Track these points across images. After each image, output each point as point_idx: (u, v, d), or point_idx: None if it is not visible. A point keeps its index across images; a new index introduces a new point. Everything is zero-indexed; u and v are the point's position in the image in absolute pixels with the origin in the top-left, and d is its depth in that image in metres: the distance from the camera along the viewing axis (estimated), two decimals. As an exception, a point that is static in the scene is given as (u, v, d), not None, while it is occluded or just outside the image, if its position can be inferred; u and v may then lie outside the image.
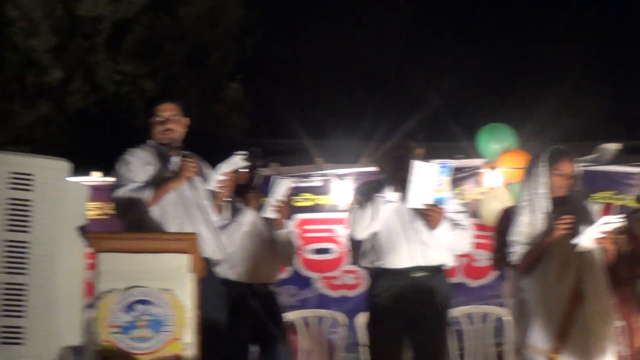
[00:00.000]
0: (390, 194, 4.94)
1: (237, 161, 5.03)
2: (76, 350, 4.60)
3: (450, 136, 8.56)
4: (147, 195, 4.76)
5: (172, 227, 4.79)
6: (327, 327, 6.56)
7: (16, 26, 12.25)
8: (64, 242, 4.23)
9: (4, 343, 3.97)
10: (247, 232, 5.48)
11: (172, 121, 5.02)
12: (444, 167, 4.76)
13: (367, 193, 5.08)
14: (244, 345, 5.38)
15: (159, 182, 4.83)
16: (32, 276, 4.08)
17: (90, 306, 4.37)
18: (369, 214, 4.95)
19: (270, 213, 5.42)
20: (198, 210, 4.83)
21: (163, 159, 4.96)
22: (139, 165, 4.92)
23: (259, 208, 5.49)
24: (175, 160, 4.83)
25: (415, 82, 13.54)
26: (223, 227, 5.27)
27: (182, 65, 13.42)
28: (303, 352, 6.09)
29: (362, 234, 5.04)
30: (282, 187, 5.41)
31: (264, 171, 6.30)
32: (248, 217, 5.46)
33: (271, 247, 5.54)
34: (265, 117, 13.88)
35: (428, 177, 4.75)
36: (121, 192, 4.83)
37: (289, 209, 5.56)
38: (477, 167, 7.49)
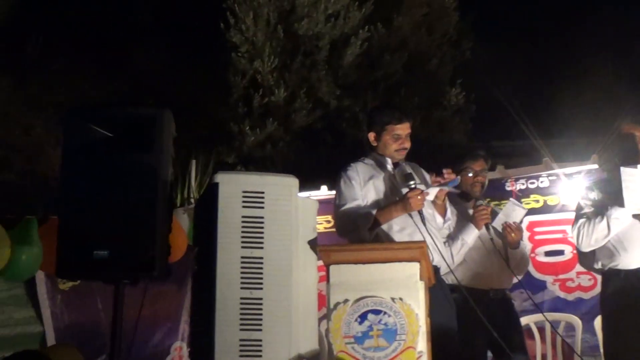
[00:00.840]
0: (617, 211, 4.76)
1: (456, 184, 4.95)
2: (313, 361, 4.69)
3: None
4: (369, 220, 4.76)
5: (401, 237, 4.78)
6: (563, 331, 6.34)
7: (241, 51, 12.78)
8: (296, 256, 4.32)
9: (243, 356, 4.10)
10: (475, 246, 5.38)
11: (408, 140, 5.01)
12: None
13: (596, 196, 4.91)
14: (482, 352, 5.29)
15: (383, 207, 4.82)
16: (267, 290, 4.20)
17: (324, 318, 4.45)
18: (599, 228, 4.79)
19: (501, 231, 5.33)
20: (424, 218, 4.79)
21: (385, 171, 4.96)
22: (361, 182, 4.92)
23: (489, 218, 5.36)
24: (408, 185, 4.77)
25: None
26: (450, 238, 5.22)
27: (401, 74, 13.48)
28: (539, 357, 5.92)
29: (589, 248, 4.90)
30: (516, 214, 5.28)
31: (491, 174, 6.19)
32: (473, 235, 5.36)
33: (502, 256, 5.41)
34: (489, 119, 13.68)
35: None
36: (342, 212, 4.86)
37: (521, 234, 5.41)
38: None
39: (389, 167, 4.98)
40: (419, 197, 4.69)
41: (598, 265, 4.96)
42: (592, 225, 4.85)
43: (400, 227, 4.80)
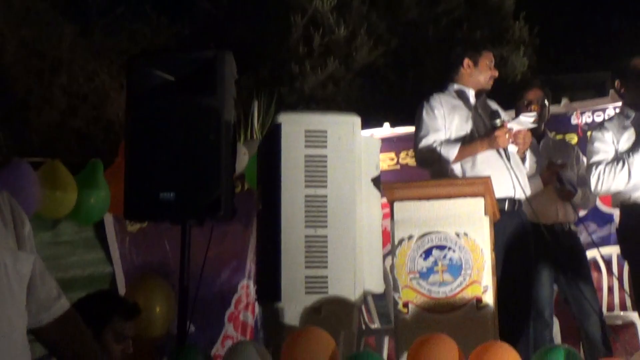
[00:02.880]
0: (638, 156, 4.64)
1: (524, 121, 4.85)
2: (377, 297, 4.74)
3: None
4: (452, 153, 4.73)
5: (482, 170, 4.71)
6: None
7: (301, -11, 12.68)
8: (360, 194, 4.34)
9: (309, 293, 4.16)
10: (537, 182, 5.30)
11: (494, 69, 4.96)
12: None
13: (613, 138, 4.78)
14: (548, 286, 5.27)
15: (467, 140, 4.77)
16: (332, 228, 4.23)
17: (389, 254, 4.48)
18: (620, 176, 4.68)
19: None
20: (508, 154, 4.73)
21: (468, 103, 4.91)
22: (445, 113, 4.85)
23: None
24: (494, 123, 4.70)
25: None
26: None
27: (463, 9, 13.27)
28: (605, 290, 5.88)
29: (605, 194, 4.83)
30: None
31: (555, 108, 6.10)
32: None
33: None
34: (553, 53, 13.43)
35: None
36: (425, 142, 4.83)
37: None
38: None
39: (472, 98, 4.93)
40: (506, 136, 4.65)
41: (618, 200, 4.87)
42: (613, 172, 4.71)
43: (482, 161, 4.75)
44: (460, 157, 4.73)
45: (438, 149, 4.75)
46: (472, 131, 4.83)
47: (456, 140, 4.78)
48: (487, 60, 4.95)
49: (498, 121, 4.68)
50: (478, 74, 4.94)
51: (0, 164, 5.03)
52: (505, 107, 5.15)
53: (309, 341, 3.73)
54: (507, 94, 5.65)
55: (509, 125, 4.76)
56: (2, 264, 2.13)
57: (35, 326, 2.31)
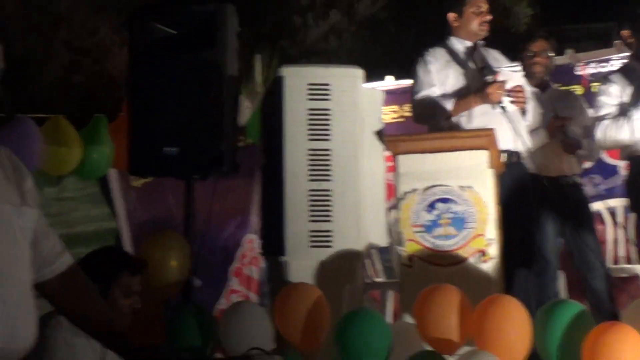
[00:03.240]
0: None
1: (509, 74, 4.79)
2: (382, 250, 4.75)
3: None
4: (447, 106, 4.69)
5: (481, 122, 4.67)
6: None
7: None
8: (363, 147, 4.33)
9: (313, 246, 4.17)
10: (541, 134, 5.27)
11: (489, 13, 4.89)
12: None
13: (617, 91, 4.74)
14: (552, 238, 5.27)
15: (461, 95, 4.73)
16: (335, 182, 4.23)
17: (393, 207, 4.48)
18: (623, 132, 4.66)
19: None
20: (504, 106, 4.70)
21: (463, 56, 4.87)
22: (439, 67, 4.81)
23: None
24: (485, 80, 4.66)
25: None
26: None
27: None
28: (610, 242, 5.88)
29: (609, 149, 4.80)
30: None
31: (560, 59, 6.05)
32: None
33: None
34: (556, 2, 13.29)
35: None
36: (420, 98, 4.79)
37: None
38: None
39: (466, 50, 4.89)
40: (498, 91, 4.62)
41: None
42: (616, 127, 4.70)
43: (480, 112, 4.71)
44: (455, 112, 4.70)
45: (432, 104, 4.72)
46: (467, 85, 4.80)
47: (451, 95, 4.75)
48: (472, 7, 4.88)
49: (489, 77, 4.65)
50: (467, 24, 4.88)
51: (3, 121, 5.03)
52: (510, 59, 5.11)
53: (299, 297, 3.75)
54: (511, 44, 5.60)
55: (499, 79, 4.71)
56: (7, 220, 2.13)
57: (40, 280, 2.31)
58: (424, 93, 4.78)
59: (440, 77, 4.80)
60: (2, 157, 2.24)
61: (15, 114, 5.48)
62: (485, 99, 4.63)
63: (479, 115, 4.70)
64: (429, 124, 4.82)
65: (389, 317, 5.18)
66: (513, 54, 5.32)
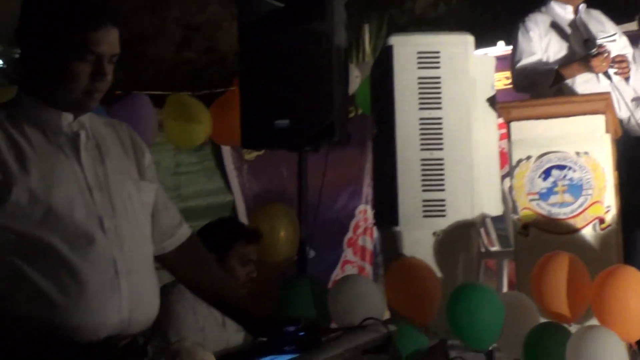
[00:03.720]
0: None
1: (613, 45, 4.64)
2: (496, 219, 4.69)
3: None
4: (549, 77, 4.60)
5: (584, 89, 4.60)
6: None
7: None
8: (475, 115, 4.28)
9: (427, 216, 4.16)
10: None
11: None
12: None
13: None
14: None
15: (564, 63, 4.64)
16: (448, 151, 4.20)
17: (507, 175, 4.41)
18: None
19: None
20: (609, 74, 4.57)
21: (565, 21, 4.75)
22: (540, 34, 4.72)
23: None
24: (589, 52, 4.52)
25: None
26: None
27: None
28: None
29: None
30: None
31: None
32: None
33: None
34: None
35: None
36: (521, 66, 4.71)
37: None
38: None
39: (569, 15, 4.77)
40: (603, 64, 4.49)
41: None
42: None
43: (584, 79, 4.62)
44: (557, 81, 4.60)
45: (534, 72, 4.62)
46: (570, 53, 4.68)
47: (553, 63, 4.63)
48: None
49: (594, 50, 4.51)
50: None
51: (120, 97, 5.16)
52: (615, 20, 4.94)
53: (410, 270, 3.75)
54: (623, 6, 5.43)
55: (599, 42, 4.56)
56: (128, 195, 2.19)
57: (160, 253, 2.37)
58: (525, 61, 4.70)
59: (542, 44, 4.71)
60: (122, 133, 2.30)
61: (130, 91, 5.62)
62: (590, 69, 4.52)
63: (582, 83, 4.61)
64: (530, 92, 4.73)
65: (504, 287, 5.12)
66: (620, 15, 5.15)
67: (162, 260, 2.41)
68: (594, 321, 3.59)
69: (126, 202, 2.17)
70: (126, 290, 2.08)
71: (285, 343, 2.22)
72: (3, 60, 7.50)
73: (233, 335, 3.53)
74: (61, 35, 2.06)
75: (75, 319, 2.01)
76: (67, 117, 2.13)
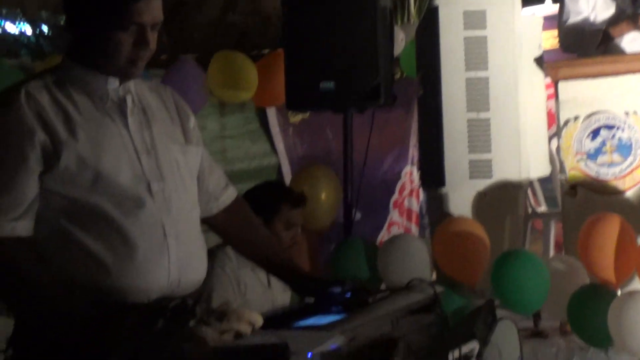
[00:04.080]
0: None
1: None
2: (544, 180, 4.67)
3: None
4: (597, 36, 4.53)
5: (632, 47, 4.53)
6: None
7: None
8: (522, 75, 4.24)
9: (473, 177, 4.14)
10: None
11: None
12: None
13: None
14: None
15: (612, 22, 4.56)
16: (494, 111, 4.19)
17: (554, 136, 4.37)
18: None
19: None
20: None
21: None
22: None
23: None
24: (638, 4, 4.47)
25: None
26: None
27: None
28: None
29: None
30: None
31: None
32: None
33: None
34: None
35: None
36: (569, 26, 4.63)
37: None
38: None
39: None
40: None
41: None
42: None
43: (632, 38, 4.55)
44: (605, 40, 4.53)
45: (581, 32, 4.56)
46: (618, 9, 4.59)
47: (601, 22, 4.56)
48: None
49: None
50: None
51: (167, 62, 5.19)
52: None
53: (458, 230, 3.73)
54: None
55: None
56: (174, 159, 2.21)
57: (207, 215, 2.40)
58: (573, 20, 4.62)
59: (589, 2, 4.63)
60: (166, 97, 2.31)
61: (176, 54, 5.64)
62: (638, 28, 4.44)
63: (630, 41, 4.53)
64: (577, 52, 4.67)
65: (550, 248, 5.10)
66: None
67: (209, 223, 2.44)
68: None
69: (173, 166, 2.19)
70: (174, 253, 2.11)
71: (332, 304, 2.23)
72: (48, 27, 7.55)
73: (280, 295, 3.57)
74: (104, 5, 2.07)
75: (126, 281, 2.04)
76: (114, 82, 2.15)
